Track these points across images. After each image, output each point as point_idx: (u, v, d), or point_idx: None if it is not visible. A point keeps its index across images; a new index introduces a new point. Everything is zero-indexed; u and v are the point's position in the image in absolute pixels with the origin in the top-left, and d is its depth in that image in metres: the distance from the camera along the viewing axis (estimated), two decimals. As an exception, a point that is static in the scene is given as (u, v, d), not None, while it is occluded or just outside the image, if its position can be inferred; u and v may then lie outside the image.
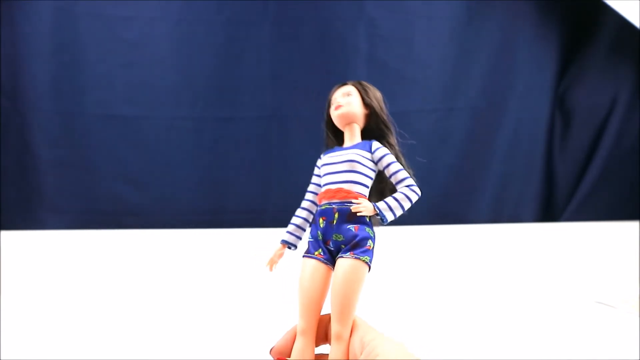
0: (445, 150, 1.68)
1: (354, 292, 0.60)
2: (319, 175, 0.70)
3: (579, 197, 1.78)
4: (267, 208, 1.64)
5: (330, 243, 0.63)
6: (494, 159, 1.73)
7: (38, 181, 1.56)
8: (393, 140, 0.71)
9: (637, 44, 1.65)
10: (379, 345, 0.55)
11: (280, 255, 0.68)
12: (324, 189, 0.66)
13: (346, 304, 0.59)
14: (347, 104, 0.69)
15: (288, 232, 0.70)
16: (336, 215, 0.64)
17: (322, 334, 0.60)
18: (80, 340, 1.07)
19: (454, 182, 1.68)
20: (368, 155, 0.67)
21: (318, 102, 1.77)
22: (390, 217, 0.63)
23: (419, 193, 0.65)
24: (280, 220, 1.70)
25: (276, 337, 0.59)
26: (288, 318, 0.61)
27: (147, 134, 1.60)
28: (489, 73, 1.70)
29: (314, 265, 0.62)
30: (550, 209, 1.80)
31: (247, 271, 1.48)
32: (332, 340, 0.59)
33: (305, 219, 0.70)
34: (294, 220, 0.70)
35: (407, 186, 0.65)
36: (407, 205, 0.64)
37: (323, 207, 0.66)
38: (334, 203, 0.65)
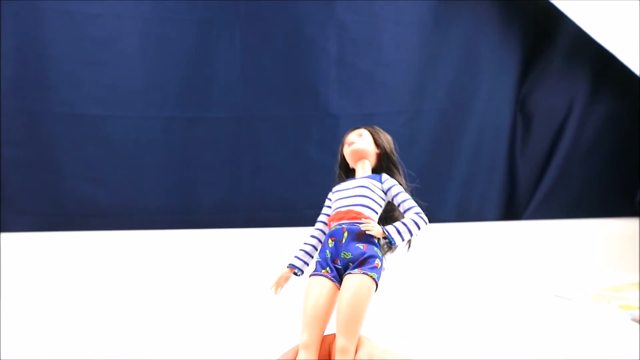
0: (413, 151, 1.72)
1: (361, 306, 0.61)
2: (329, 207, 0.74)
3: (539, 196, 1.84)
4: (238, 208, 1.64)
5: (339, 261, 0.66)
6: (460, 159, 1.77)
7: (0, 182, 1.51)
8: (402, 180, 0.77)
9: (591, 50, 1.73)
10: (383, 354, 0.55)
11: (287, 278, 0.71)
12: (334, 212, 0.70)
13: (352, 317, 0.59)
14: (359, 141, 0.76)
15: (296, 256, 0.72)
16: (345, 234, 0.66)
17: (326, 353, 0.61)
18: (51, 345, 1.05)
19: (422, 182, 1.71)
20: (378, 184, 0.72)
21: (288, 103, 1.79)
22: (398, 240, 0.67)
23: (427, 221, 0.70)
24: (252, 220, 1.71)
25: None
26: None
27: (115, 134, 1.57)
28: (454, 76, 1.74)
29: (321, 282, 0.65)
30: (512, 208, 1.86)
31: (220, 271, 1.48)
32: (337, 354, 0.58)
33: (314, 247, 0.73)
34: (303, 246, 0.73)
35: (416, 213, 0.70)
36: (415, 230, 0.68)
37: (333, 229, 0.68)
38: (343, 223, 0.67)
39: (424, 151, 1.73)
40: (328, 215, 0.73)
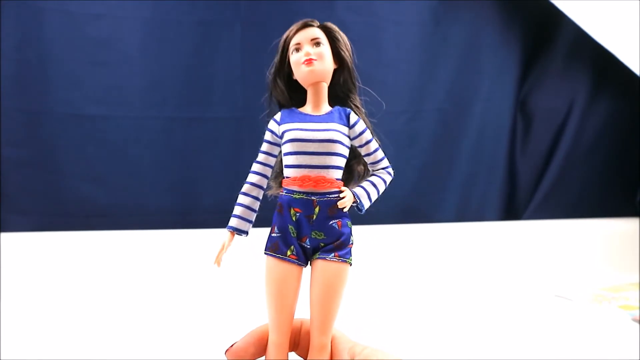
0: (413, 151, 1.72)
1: (339, 299, 0.53)
2: (276, 144, 0.59)
3: (539, 196, 1.84)
4: (237, 208, 1.64)
5: (307, 240, 0.55)
6: (460, 159, 1.78)
7: (1, 182, 1.51)
8: (358, 100, 0.64)
9: (592, 51, 1.73)
10: (372, 354, 0.52)
11: (228, 245, 0.59)
12: (298, 172, 0.56)
13: (330, 313, 0.53)
14: (319, 57, 0.58)
15: (236, 216, 0.59)
16: (317, 210, 0.55)
17: (291, 341, 0.56)
18: (51, 345, 1.05)
19: (422, 182, 1.72)
20: (346, 130, 0.58)
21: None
22: (367, 204, 0.57)
23: (392, 174, 0.60)
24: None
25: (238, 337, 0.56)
26: (261, 317, 0.59)
27: (115, 134, 1.57)
28: (454, 77, 1.75)
29: (288, 271, 0.54)
30: (512, 208, 1.86)
31: (219, 271, 1.48)
32: (314, 352, 0.53)
33: (256, 197, 0.59)
34: (242, 199, 0.59)
35: (383, 168, 0.59)
36: (382, 189, 0.59)
37: (297, 197, 0.55)
38: (313, 195, 0.55)
39: (424, 151, 1.73)
40: (270, 154, 0.60)
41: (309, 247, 0.56)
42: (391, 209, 1.69)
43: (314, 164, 0.55)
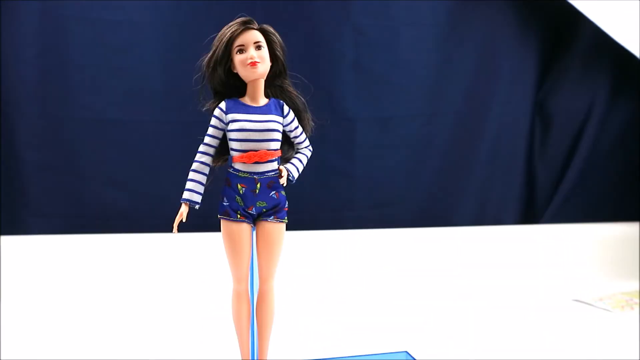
0: (429, 155, 1.72)
1: (280, 250, 0.74)
2: (222, 129, 0.76)
3: (558, 199, 1.82)
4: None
5: (253, 209, 0.74)
6: (477, 162, 1.76)
7: (23, 185, 1.54)
8: (288, 83, 0.81)
9: (612, 52, 1.71)
10: None
11: (185, 214, 0.76)
12: (245, 151, 0.73)
13: (275, 262, 0.74)
14: (261, 59, 0.75)
15: (189, 189, 0.76)
16: (258, 185, 0.73)
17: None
18: (67, 347, 1.07)
19: (439, 185, 1.71)
20: (280, 119, 0.76)
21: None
22: (297, 176, 0.78)
23: (312, 150, 0.82)
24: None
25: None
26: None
27: (135, 138, 1.59)
28: (471, 79, 1.73)
29: (239, 227, 0.73)
30: (531, 212, 1.84)
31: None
32: (270, 294, 0.75)
33: (204, 174, 0.76)
34: (194, 176, 0.76)
35: (307, 147, 0.82)
36: (305, 162, 0.80)
37: (242, 175, 0.73)
38: (255, 174, 0.73)
39: (441, 154, 1.72)
40: (217, 138, 0.77)
41: (254, 213, 0.74)
42: (408, 213, 1.68)
43: (256, 148, 0.73)
